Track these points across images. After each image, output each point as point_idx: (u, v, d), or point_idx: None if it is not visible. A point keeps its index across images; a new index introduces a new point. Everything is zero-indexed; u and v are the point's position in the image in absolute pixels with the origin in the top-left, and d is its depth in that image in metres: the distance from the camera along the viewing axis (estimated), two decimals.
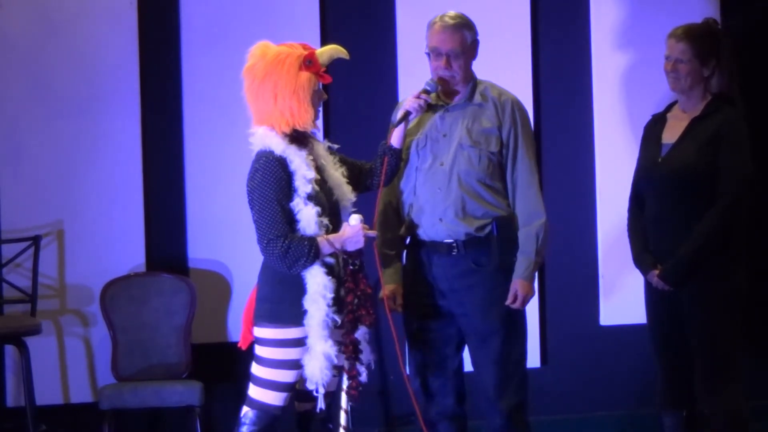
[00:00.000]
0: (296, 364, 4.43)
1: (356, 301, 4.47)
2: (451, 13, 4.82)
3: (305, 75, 4.47)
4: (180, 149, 6.26)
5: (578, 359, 6.57)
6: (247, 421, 4.49)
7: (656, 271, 4.90)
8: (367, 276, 4.52)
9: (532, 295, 4.79)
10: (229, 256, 6.26)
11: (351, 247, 4.46)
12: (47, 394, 6.06)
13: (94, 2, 6.18)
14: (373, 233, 4.52)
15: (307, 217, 4.42)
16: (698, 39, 4.90)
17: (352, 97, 6.40)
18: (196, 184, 6.25)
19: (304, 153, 4.48)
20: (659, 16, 6.57)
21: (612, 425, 6.58)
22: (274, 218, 4.39)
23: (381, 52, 6.42)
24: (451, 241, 4.74)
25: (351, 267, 4.48)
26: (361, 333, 4.53)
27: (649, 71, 6.57)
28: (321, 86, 4.56)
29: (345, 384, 4.54)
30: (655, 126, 5.04)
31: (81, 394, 6.18)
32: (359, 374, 4.49)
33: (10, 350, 6.04)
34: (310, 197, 4.43)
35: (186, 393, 5.91)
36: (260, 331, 4.49)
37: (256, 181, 4.41)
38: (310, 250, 4.37)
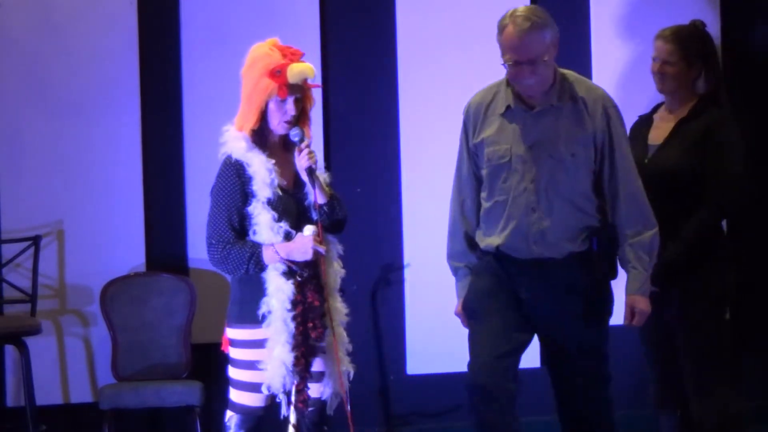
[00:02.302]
0: None
1: (305, 314, 4.36)
2: (522, 9, 4.33)
3: (265, 82, 4.37)
4: (180, 149, 6.26)
5: None
6: (232, 425, 4.47)
7: None
8: (317, 288, 4.39)
9: (649, 311, 4.50)
10: None
11: (298, 258, 4.34)
12: (47, 394, 6.06)
13: (94, 2, 6.18)
14: (322, 248, 4.35)
15: (263, 221, 4.36)
16: (686, 41, 4.91)
17: (352, 97, 6.40)
18: (196, 184, 6.24)
19: (264, 156, 4.40)
20: (659, 13, 6.56)
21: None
22: (219, 223, 4.37)
23: (381, 52, 6.42)
24: (549, 258, 4.36)
25: (298, 278, 4.36)
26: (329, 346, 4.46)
27: (648, 68, 6.57)
28: (290, 100, 4.38)
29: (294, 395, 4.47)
30: (641, 127, 5.04)
31: (81, 394, 6.18)
32: (307, 387, 4.40)
33: (10, 350, 6.04)
34: (270, 202, 4.37)
35: (186, 393, 5.91)
36: (231, 333, 4.46)
37: (213, 184, 4.43)
38: (251, 258, 4.32)
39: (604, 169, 4.34)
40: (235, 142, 4.43)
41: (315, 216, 4.40)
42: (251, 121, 4.41)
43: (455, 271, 4.55)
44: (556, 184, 4.28)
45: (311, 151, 4.43)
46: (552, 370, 4.51)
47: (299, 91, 4.42)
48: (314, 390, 4.48)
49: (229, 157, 4.41)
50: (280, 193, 4.40)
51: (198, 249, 6.27)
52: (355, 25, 6.41)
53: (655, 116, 5.03)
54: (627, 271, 4.39)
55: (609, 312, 4.45)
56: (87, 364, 6.20)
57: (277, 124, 4.42)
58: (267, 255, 4.33)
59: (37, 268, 6.03)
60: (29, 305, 6.01)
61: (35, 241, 6.02)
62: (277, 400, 4.43)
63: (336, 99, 6.36)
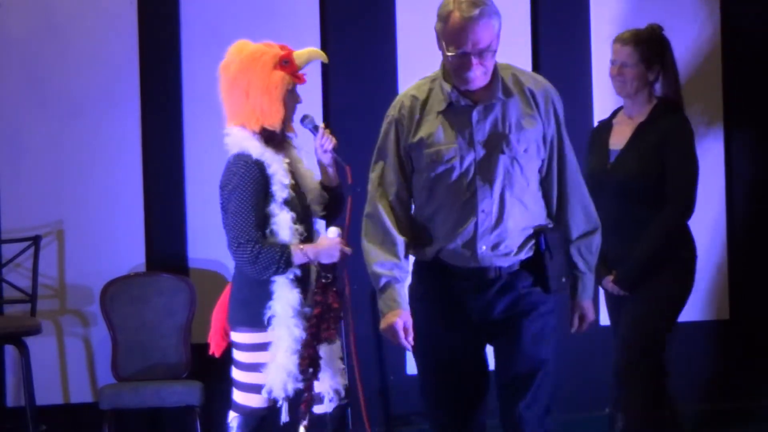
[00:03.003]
0: None
1: (323, 315, 4.38)
2: (476, 6, 3.83)
3: (279, 74, 4.41)
4: (180, 149, 6.26)
5: (576, 359, 6.57)
6: (235, 426, 4.48)
7: (611, 277, 4.94)
8: (339, 292, 4.43)
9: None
10: (229, 256, 6.23)
11: (325, 260, 4.39)
12: (47, 394, 6.06)
13: (94, 2, 6.17)
14: (348, 249, 4.41)
15: (282, 222, 4.38)
16: (644, 43, 4.93)
17: (352, 96, 6.40)
18: (196, 184, 6.24)
19: (280, 157, 4.43)
20: (659, 14, 6.56)
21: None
22: (247, 222, 4.34)
23: (381, 52, 6.42)
24: (495, 268, 3.96)
25: (323, 280, 4.39)
26: (330, 349, 4.47)
27: None
28: (296, 89, 4.48)
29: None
30: (601, 132, 5.06)
31: (81, 394, 6.18)
32: (312, 389, 4.41)
33: (10, 350, 6.04)
34: (286, 202, 4.39)
35: (186, 393, 5.91)
36: (237, 336, 4.47)
37: (233, 184, 4.36)
38: (281, 258, 4.33)
39: (553, 165, 3.99)
40: (248, 141, 4.40)
41: (345, 195, 4.54)
42: (277, 116, 4.41)
43: (379, 280, 3.97)
44: (510, 183, 3.89)
45: (330, 131, 4.52)
46: (500, 385, 4.08)
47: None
48: (329, 384, 4.49)
49: (248, 156, 4.38)
50: (293, 194, 4.41)
51: (198, 249, 6.27)
52: (355, 25, 6.41)
53: (615, 121, 5.06)
54: (574, 275, 4.07)
55: (553, 326, 4.08)
56: (87, 364, 6.20)
57: (290, 115, 4.46)
58: (296, 256, 4.33)
59: (37, 268, 6.03)
60: (29, 305, 6.01)
61: (35, 241, 6.02)
62: (278, 405, 4.43)
63: (336, 99, 6.36)
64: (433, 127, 3.92)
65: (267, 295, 4.39)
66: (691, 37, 6.61)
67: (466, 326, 3.98)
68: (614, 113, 5.10)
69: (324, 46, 6.29)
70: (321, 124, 4.60)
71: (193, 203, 6.26)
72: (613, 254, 4.88)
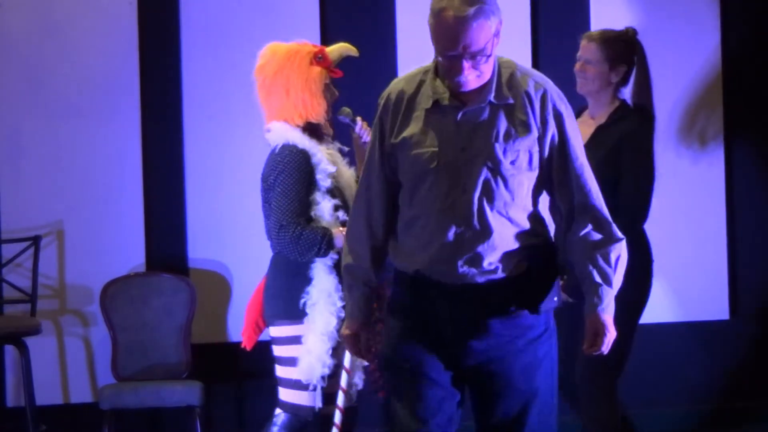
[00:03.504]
0: None
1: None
2: (469, 5, 3.41)
3: (316, 69, 4.54)
4: (180, 149, 6.26)
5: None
6: (279, 423, 4.47)
7: (560, 282, 4.80)
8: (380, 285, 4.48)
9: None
10: (229, 256, 6.26)
11: None
12: (47, 394, 6.06)
13: (94, 2, 6.17)
14: None
15: (325, 209, 4.45)
16: (610, 43, 4.84)
17: (352, 96, 6.39)
18: (196, 184, 6.24)
19: (323, 146, 4.54)
20: (659, 14, 6.57)
21: None
22: (292, 205, 4.41)
23: (381, 52, 6.42)
24: (476, 286, 3.54)
25: None
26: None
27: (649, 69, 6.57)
28: (332, 84, 4.61)
29: (344, 382, 4.50)
30: None
31: (81, 394, 6.18)
32: (339, 375, 4.45)
33: (10, 350, 6.04)
34: (329, 191, 4.47)
35: (186, 393, 5.91)
36: (276, 330, 4.47)
37: (278, 171, 4.43)
38: (323, 239, 4.38)
39: (554, 175, 3.55)
40: (292, 133, 4.49)
41: None
42: (321, 108, 4.53)
43: (349, 287, 3.70)
44: (491, 197, 3.47)
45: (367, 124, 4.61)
46: (479, 418, 3.64)
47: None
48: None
49: (294, 146, 4.47)
50: (336, 183, 4.47)
51: (198, 249, 6.27)
52: (355, 25, 6.41)
53: (578, 121, 4.96)
54: (587, 288, 3.59)
55: (552, 357, 3.65)
56: (87, 364, 6.20)
57: (329, 108, 4.57)
58: (338, 238, 4.38)
59: (37, 268, 6.03)
60: (29, 305, 6.01)
61: (35, 241, 6.02)
62: (310, 390, 4.43)
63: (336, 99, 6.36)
64: (416, 126, 3.54)
65: (303, 285, 4.42)
66: (692, 39, 6.61)
67: (441, 347, 3.55)
68: (578, 113, 5.01)
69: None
70: (358, 117, 4.70)
71: (193, 203, 6.26)
72: (565, 259, 4.79)
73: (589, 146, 4.81)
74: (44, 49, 6.12)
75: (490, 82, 3.50)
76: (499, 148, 3.47)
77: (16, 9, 6.10)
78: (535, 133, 3.50)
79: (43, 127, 6.13)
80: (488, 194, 3.48)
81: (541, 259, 3.57)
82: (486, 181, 3.47)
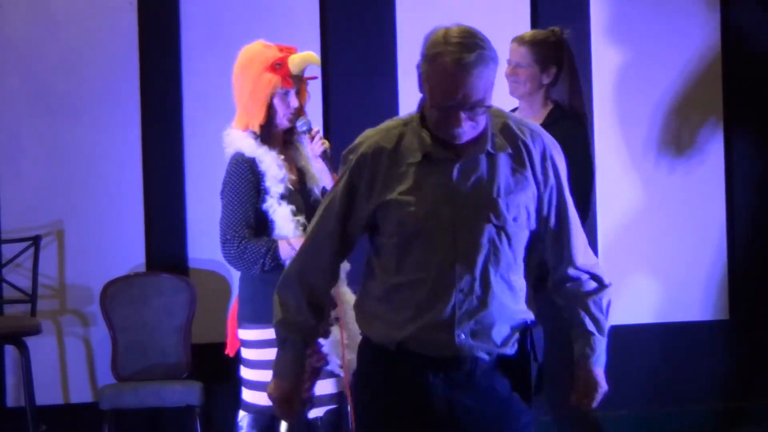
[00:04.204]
0: None
1: None
2: (458, 31, 3.20)
3: (267, 77, 4.42)
4: (180, 149, 6.26)
5: None
6: (244, 425, 4.48)
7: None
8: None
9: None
10: None
11: None
12: (47, 394, 6.06)
13: (94, 2, 6.17)
14: None
15: (282, 216, 4.40)
16: (539, 45, 4.81)
17: (352, 96, 6.40)
18: (196, 184, 6.24)
19: (274, 153, 4.44)
20: (659, 14, 6.57)
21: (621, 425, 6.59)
22: (234, 219, 4.37)
23: (381, 52, 6.42)
24: (473, 359, 3.22)
25: None
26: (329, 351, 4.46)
27: (648, 71, 6.57)
28: (290, 93, 4.47)
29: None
30: None
31: (81, 394, 6.17)
32: (312, 386, 4.42)
33: (10, 350, 6.03)
34: (284, 197, 4.41)
35: (186, 393, 5.91)
36: (244, 333, 4.47)
37: (224, 182, 4.42)
38: (267, 253, 4.34)
39: (549, 231, 3.29)
40: (242, 141, 4.44)
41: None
42: (258, 117, 4.43)
43: (284, 340, 3.36)
44: (496, 258, 3.18)
45: (322, 136, 4.51)
46: None
47: (298, 83, 4.46)
48: (323, 388, 4.48)
49: (240, 155, 4.42)
50: (291, 188, 4.43)
51: (198, 249, 6.27)
52: (355, 25, 6.41)
53: None
54: (579, 337, 3.36)
55: None
56: (87, 364, 6.20)
57: (282, 117, 4.46)
58: (283, 249, 4.35)
59: (37, 268, 6.02)
60: (29, 305, 6.01)
61: (35, 241, 6.02)
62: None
63: (336, 99, 6.36)
64: (403, 183, 3.17)
65: (272, 291, 4.40)
66: (691, 38, 6.61)
67: (432, 426, 3.21)
68: None
69: (324, 46, 6.30)
70: (314, 128, 4.57)
71: (193, 203, 6.26)
72: None
73: None
74: (44, 49, 6.12)
75: (484, 131, 3.19)
76: (502, 203, 3.17)
77: (16, 9, 6.10)
78: (533, 187, 3.22)
79: (43, 127, 6.13)
80: (494, 255, 3.17)
81: (528, 335, 3.30)
82: (491, 241, 3.16)
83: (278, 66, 4.44)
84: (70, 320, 6.19)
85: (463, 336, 3.16)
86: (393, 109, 6.42)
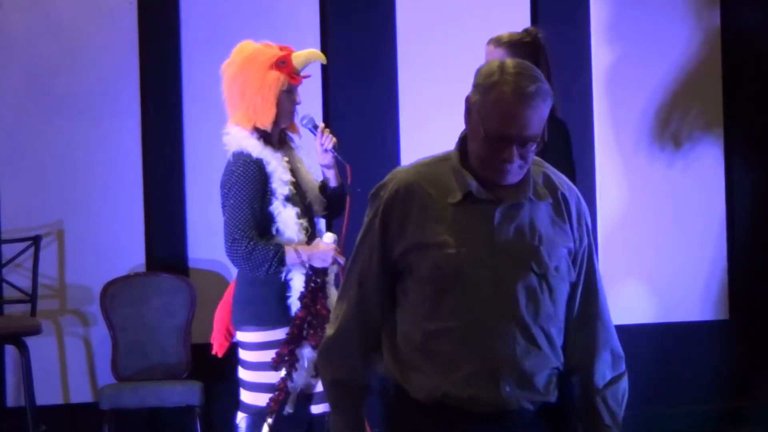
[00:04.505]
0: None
1: (308, 318, 4.38)
2: (514, 65, 3.00)
3: (274, 74, 4.44)
4: (180, 149, 6.26)
5: None
6: (243, 426, 4.48)
7: None
8: (326, 297, 4.44)
9: None
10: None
11: (317, 264, 4.40)
12: (47, 394, 6.06)
13: (94, 2, 6.17)
14: (342, 259, 4.41)
15: (287, 218, 4.41)
16: (514, 45, 4.79)
17: (352, 96, 6.40)
18: (196, 184, 6.24)
19: (279, 155, 4.46)
20: (659, 14, 6.57)
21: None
22: (244, 219, 4.36)
23: (381, 52, 6.42)
24: (518, 412, 3.02)
25: (312, 284, 4.40)
26: (308, 353, 4.46)
27: (648, 71, 6.57)
28: (295, 90, 4.50)
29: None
30: None
31: (81, 394, 6.17)
32: (286, 387, 4.41)
33: (10, 350, 6.03)
34: (288, 199, 4.42)
35: (186, 393, 5.91)
36: (243, 335, 4.47)
37: (231, 182, 4.39)
38: (275, 256, 4.34)
39: (578, 291, 3.09)
40: (246, 140, 4.43)
41: (346, 194, 4.56)
42: (270, 115, 4.43)
43: (338, 402, 3.14)
44: (537, 308, 3.00)
45: (330, 131, 4.55)
46: None
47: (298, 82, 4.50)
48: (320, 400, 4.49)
49: (248, 155, 4.41)
50: (294, 190, 4.44)
51: (198, 249, 6.27)
52: (355, 25, 6.41)
53: None
54: (591, 424, 3.13)
55: None
56: (87, 364, 6.20)
57: (287, 115, 4.48)
58: (290, 256, 4.34)
59: (37, 268, 6.02)
60: (29, 305, 6.01)
61: (35, 241, 6.02)
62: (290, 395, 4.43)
63: (336, 99, 6.36)
64: (440, 224, 3.00)
65: (277, 291, 4.41)
66: (691, 38, 6.61)
67: None
68: None
69: (324, 46, 6.30)
70: (321, 124, 4.63)
71: (193, 203, 6.26)
72: None
73: None
74: (44, 49, 6.12)
75: (526, 177, 3.03)
76: (544, 251, 3.01)
77: (16, 9, 6.10)
78: (570, 241, 3.07)
79: (43, 127, 6.13)
80: (534, 305, 2.99)
81: (566, 381, 3.11)
82: (531, 290, 2.99)
83: (282, 63, 4.45)
84: (70, 320, 6.19)
85: (508, 388, 2.98)
86: (393, 108, 6.42)
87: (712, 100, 6.63)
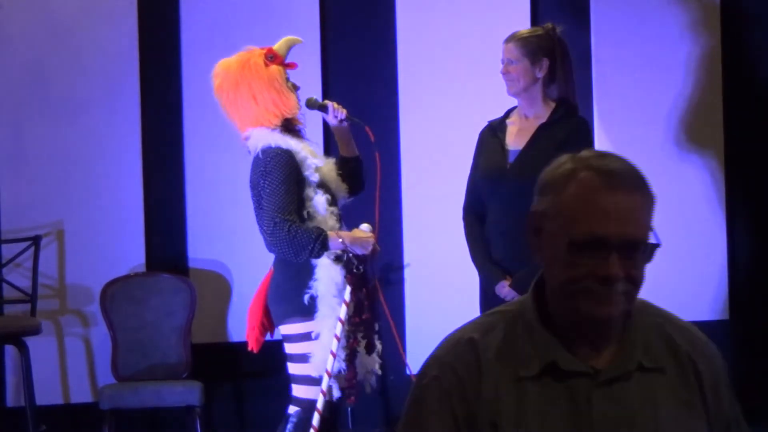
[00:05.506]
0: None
1: (365, 302, 4.44)
2: (587, 151, 2.33)
3: (273, 68, 4.57)
4: (180, 149, 6.26)
5: None
6: (296, 419, 4.49)
7: (506, 282, 4.67)
8: (372, 304, 4.49)
9: None
10: (229, 256, 6.26)
11: (358, 250, 4.45)
12: (47, 394, 6.06)
13: (94, 2, 6.18)
14: (378, 248, 4.52)
15: (319, 205, 4.48)
16: (527, 39, 4.81)
17: (352, 96, 6.40)
18: (196, 184, 6.25)
19: (302, 144, 4.57)
20: (659, 15, 6.57)
21: None
22: (284, 203, 4.40)
23: (381, 52, 6.42)
24: None
25: (354, 270, 4.44)
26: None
27: (648, 71, 6.57)
28: (290, 77, 4.63)
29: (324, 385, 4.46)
30: (495, 131, 4.84)
31: (81, 394, 6.18)
32: (356, 377, 4.46)
33: (10, 350, 6.04)
34: (320, 185, 4.50)
35: (186, 393, 5.91)
36: (288, 328, 4.50)
37: (266, 172, 4.43)
38: (318, 239, 4.38)
39: None
40: (271, 136, 4.52)
41: (364, 166, 4.75)
42: (292, 104, 4.57)
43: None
44: None
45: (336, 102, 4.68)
46: None
47: None
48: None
49: (277, 147, 4.47)
50: (319, 177, 4.51)
51: (198, 249, 6.27)
52: (355, 25, 6.41)
53: (509, 121, 4.85)
54: None
55: None
56: (87, 364, 6.20)
57: (297, 101, 4.60)
58: (333, 240, 4.38)
59: (37, 268, 6.02)
60: (29, 305, 6.01)
61: (35, 241, 6.02)
62: (328, 385, 4.44)
63: (336, 98, 6.34)
64: (510, 405, 2.17)
65: (309, 282, 4.45)
66: (691, 37, 6.61)
67: None
68: (508, 113, 4.89)
69: (324, 47, 6.31)
70: (326, 100, 4.75)
71: (193, 203, 6.26)
72: (508, 257, 4.68)
73: (533, 144, 4.75)
74: (44, 49, 6.12)
75: (628, 332, 2.22)
76: None
77: (17, 9, 6.10)
78: (704, 422, 2.28)
79: (43, 127, 6.13)
80: None
81: None
82: None
83: (271, 57, 4.59)
84: (70, 320, 6.19)
85: None
86: (393, 109, 6.43)
87: (713, 100, 6.63)
